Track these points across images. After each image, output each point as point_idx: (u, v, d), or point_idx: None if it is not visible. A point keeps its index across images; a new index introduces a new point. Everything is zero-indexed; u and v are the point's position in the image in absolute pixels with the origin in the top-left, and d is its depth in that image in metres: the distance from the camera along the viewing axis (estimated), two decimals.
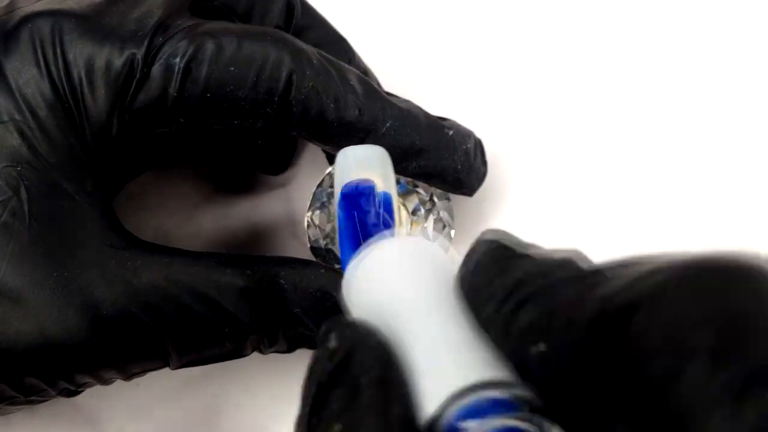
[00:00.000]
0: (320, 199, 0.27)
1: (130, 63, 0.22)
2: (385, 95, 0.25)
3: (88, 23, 0.23)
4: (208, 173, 0.32)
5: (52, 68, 0.23)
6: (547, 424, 0.14)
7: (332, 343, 0.14)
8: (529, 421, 0.14)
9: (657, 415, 0.10)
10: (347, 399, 0.13)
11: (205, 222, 0.31)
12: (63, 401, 0.26)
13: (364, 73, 0.28)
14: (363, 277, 0.17)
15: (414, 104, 0.26)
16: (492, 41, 0.33)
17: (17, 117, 0.22)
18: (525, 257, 0.14)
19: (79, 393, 0.24)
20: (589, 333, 0.12)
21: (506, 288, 0.14)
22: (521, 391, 0.14)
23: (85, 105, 0.23)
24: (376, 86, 0.25)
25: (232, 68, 0.23)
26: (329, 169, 0.27)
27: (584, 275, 0.13)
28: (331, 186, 0.27)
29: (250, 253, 0.30)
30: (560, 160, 0.31)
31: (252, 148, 0.30)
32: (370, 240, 0.18)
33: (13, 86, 0.22)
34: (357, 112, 0.24)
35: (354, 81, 0.24)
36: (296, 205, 0.31)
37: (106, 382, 0.23)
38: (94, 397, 0.28)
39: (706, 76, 0.32)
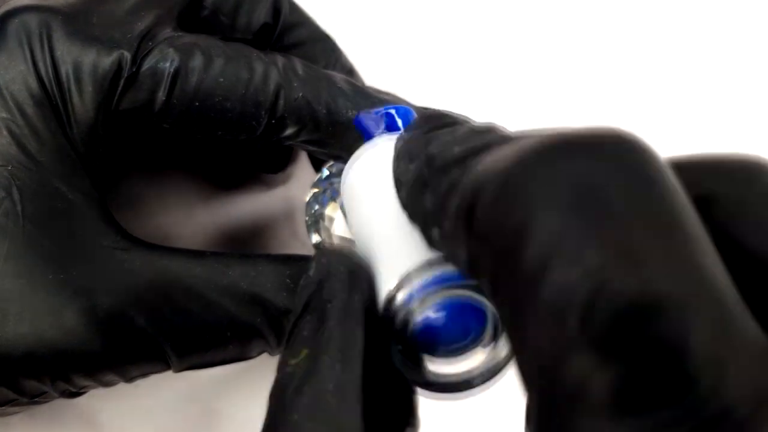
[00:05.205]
0: (315, 204, 0.27)
1: (119, 62, 0.22)
2: (372, 92, 0.25)
3: (77, 21, 0.23)
4: (208, 173, 0.31)
5: (40, 65, 0.22)
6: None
7: (309, 273, 0.15)
8: (476, 290, 0.15)
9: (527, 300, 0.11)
10: (315, 324, 0.14)
11: (205, 222, 0.31)
12: (62, 402, 0.26)
13: (350, 71, 0.28)
14: (347, 186, 0.19)
15: (400, 99, 0.26)
16: (480, 36, 0.33)
17: (5, 115, 0.22)
18: (433, 139, 0.15)
19: (81, 394, 0.24)
20: (456, 219, 0.13)
21: (414, 174, 0.15)
22: (450, 269, 0.15)
23: (72, 103, 0.22)
24: (362, 85, 0.25)
25: (221, 79, 0.23)
26: (318, 175, 0.27)
27: (466, 156, 0.13)
28: (325, 191, 0.27)
29: (253, 252, 0.29)
30: None
31: (251, 148, 0.30)
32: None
33: (0, 83, 0.22)
34: (349, 113, 0.24)
35: (341, 84, 0.25)
36: (296, 204, 0.31)
37: (106, 384, 0.23)
38: (93, 398, 0.28)
39: (705, 75, 0.32)
